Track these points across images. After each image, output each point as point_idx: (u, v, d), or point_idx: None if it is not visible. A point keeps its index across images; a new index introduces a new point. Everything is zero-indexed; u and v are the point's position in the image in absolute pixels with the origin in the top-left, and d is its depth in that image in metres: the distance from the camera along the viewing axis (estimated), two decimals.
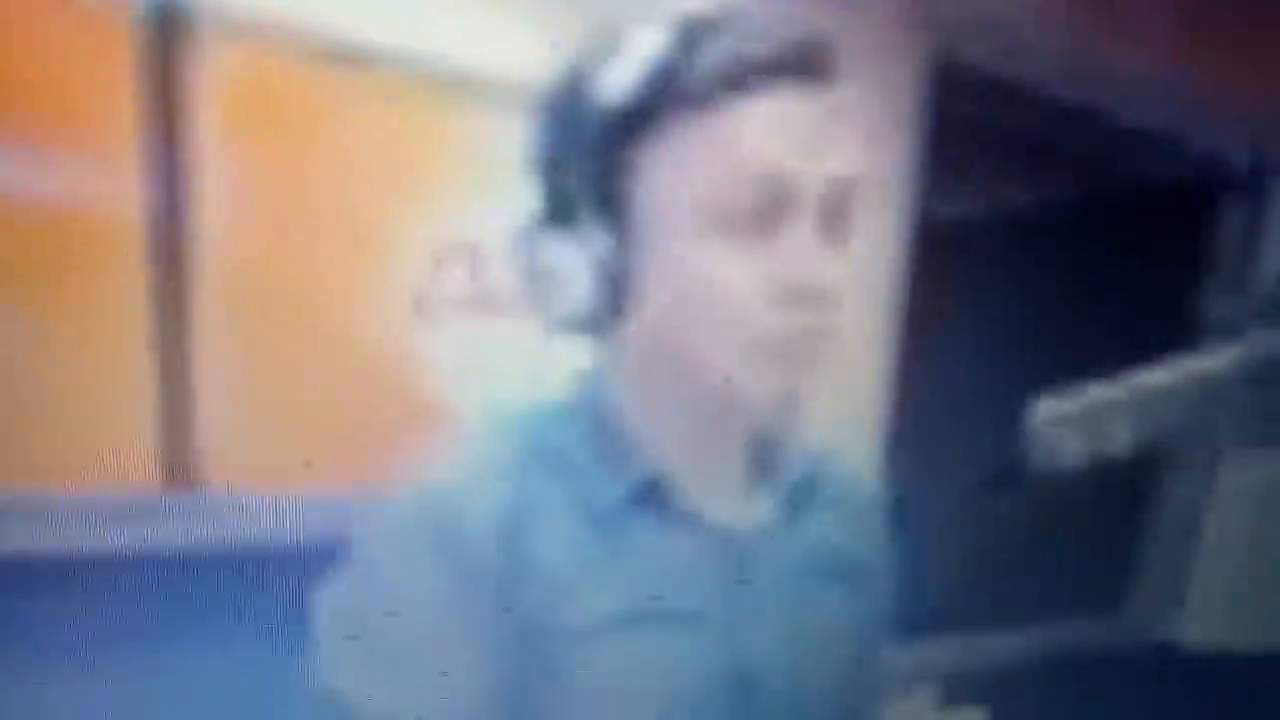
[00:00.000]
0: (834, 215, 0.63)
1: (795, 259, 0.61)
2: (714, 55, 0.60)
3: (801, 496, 0.74)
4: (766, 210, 0.60)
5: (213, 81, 0.93)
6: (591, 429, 0.69)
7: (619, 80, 0.61)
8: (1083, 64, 1.28)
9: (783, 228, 0.61)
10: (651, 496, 0.67)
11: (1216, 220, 1.66)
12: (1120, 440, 1.31)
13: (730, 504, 0.71)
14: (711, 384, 0.65)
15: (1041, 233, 1.47)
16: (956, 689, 1.09)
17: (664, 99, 0.60)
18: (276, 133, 0.96)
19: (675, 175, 0.61)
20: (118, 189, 0.92)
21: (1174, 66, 1.44)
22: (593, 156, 0.63)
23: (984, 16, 1.15)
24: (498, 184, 0.93)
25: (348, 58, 0.92)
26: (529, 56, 0.81)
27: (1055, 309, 1.42)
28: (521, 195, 0.67)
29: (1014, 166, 1.47)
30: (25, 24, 0.86)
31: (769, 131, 0.60)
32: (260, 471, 1.04)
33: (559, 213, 0.65)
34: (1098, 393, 1.31)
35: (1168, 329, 1.56)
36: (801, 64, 0.61)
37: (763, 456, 0.74)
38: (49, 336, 0.93)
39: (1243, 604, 1.98)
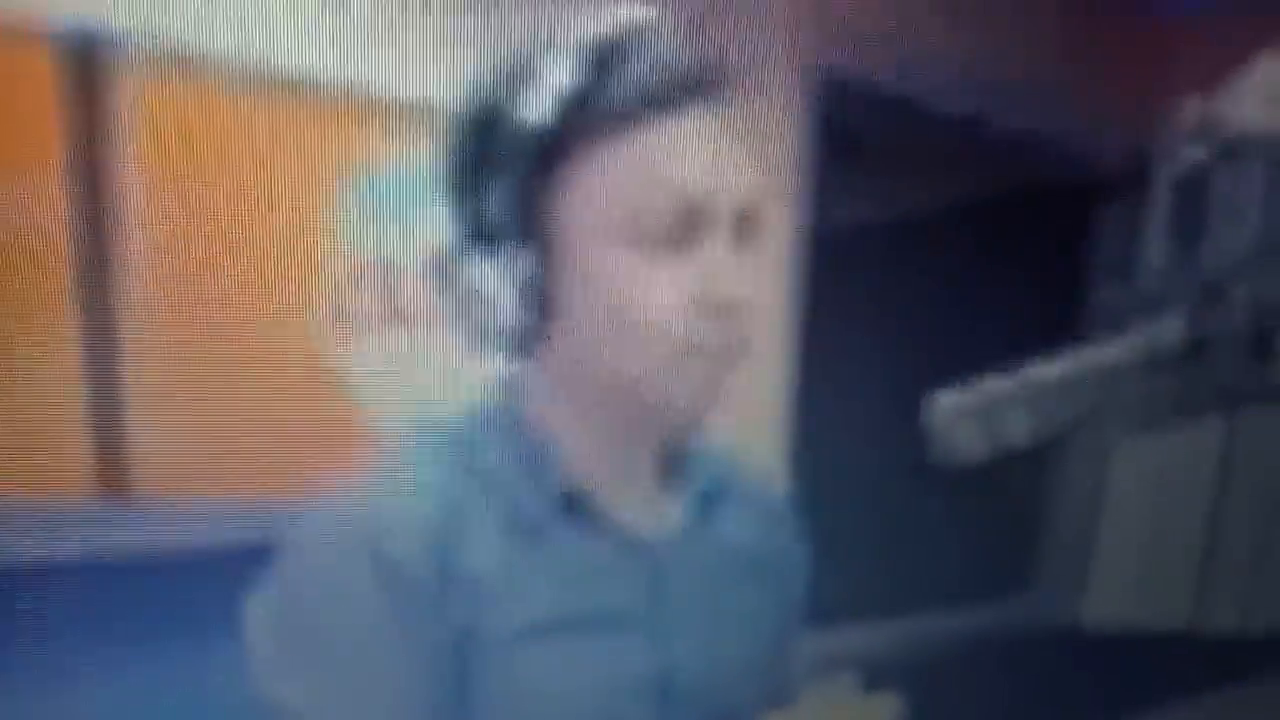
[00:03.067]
0: (745, 229, 0.66)
1: (712, 273, 0.64)
2: (622, 80, 0.62)
3: (712, 498, 0.77)
4: (682, 227, 0.63)
5: (136, 107, 0.94)
6: (512, 441, 0.71)
7: (532, 106, 0.63)
8: (964, 74, 1.34)
9: (698, 243, 0.63)
10: (572, 506, 0.69)
11: (1101, 216, 1.74)
12: (1017, 431, 1.36)
13: (646, 510, 0.73)
14: (629, 395, 0.67)
15: (933, 235, 1.53)
16: (875, 674, 1.13)
17: (577, 123, 0.63)
18: (199, 156, 0.97)
19: (593, 195, 0.63)
20: (46, 209, 0.93)
21: (1053, 72, 1.51)
22: (510, 179, 0.64)
23: (867, 31, 1.21)
24: (416, 205, 0.94)
25: (269, 85, 0.93)
26: (445, 83, 0.83)
27: (950, 307, 1.48)
28: (440, 216, 0.68)
29: (902, 173, 1.53)
30: None
31: (680, 152, 0.63)
32: (189, 481, 1.04)
33: (478, 233, 0.67)
34: (993, 386, 1.36)
35: (1058, 323, 1.62)
36: (705, 85, 0.64)
37: (674, 462, 0.76)
38: None
39: (1142, 585, 2.05)
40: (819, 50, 1.17)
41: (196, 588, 1.03)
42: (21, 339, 0.95)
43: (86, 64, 0.94)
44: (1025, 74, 1.45)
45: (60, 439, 1.00)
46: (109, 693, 1.06)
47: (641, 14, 0.65)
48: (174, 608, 1.05)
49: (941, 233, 1.52)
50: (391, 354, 1.02)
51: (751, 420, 0.91)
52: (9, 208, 0.92)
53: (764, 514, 0.83)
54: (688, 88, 0.63)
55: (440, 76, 0.86)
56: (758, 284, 0.66)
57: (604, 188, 0.63)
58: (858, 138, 1.25)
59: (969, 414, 1.32)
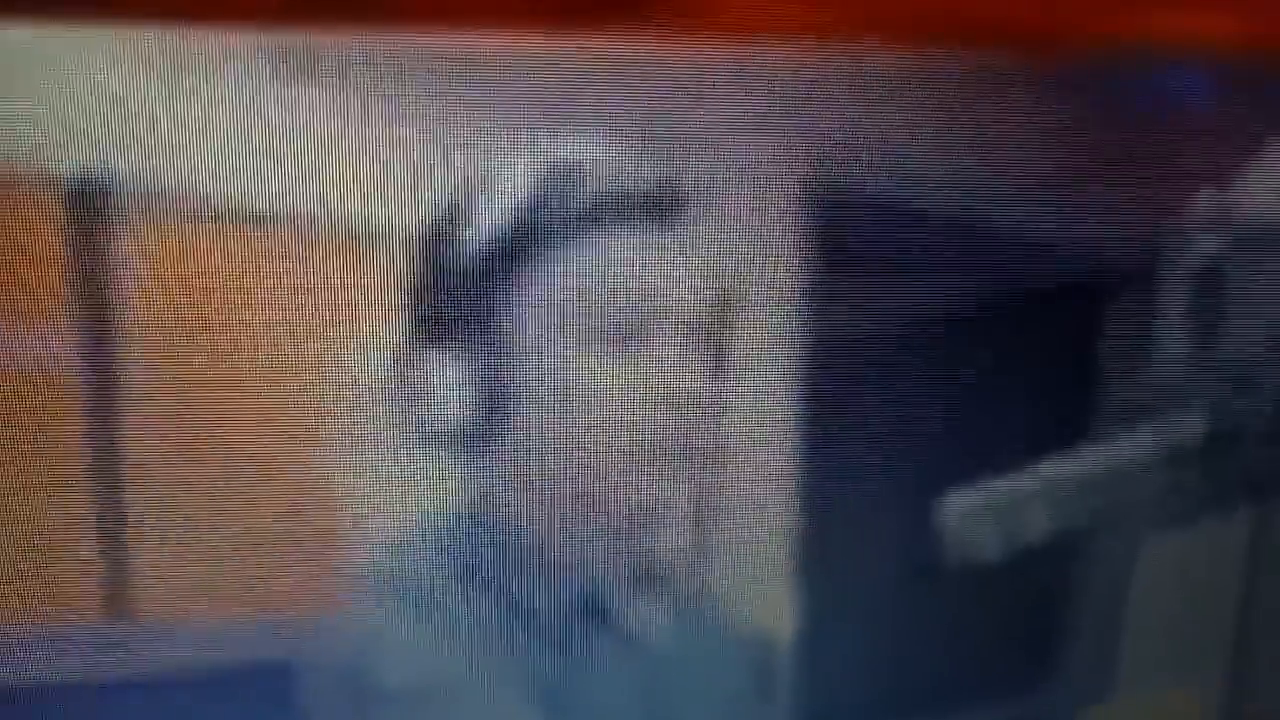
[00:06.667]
0: (708, 332, 0.67)
1: (667, 371, 0.65)
2: (576, 199, 0.65)
3: (685, 600, 0.77)
4: (638, 328, 0.65)
5: (135, 246, 0.97)
6: (498, 544, 0.72)
7: (489, 223, 0.65)
8: (961, 174, 1.35)
9: (655, 343, 0.65)
10: (570, 609, 0.70)
11: (1113, 311, 1.74)
12: (1035, 529, 1.34)
13: (633, 611, 0.74)
14: (590, 496, 0.68)
15: (942, 338, 1.53)
16: None
17: (532, 237, 0.65)
18: (198, 293, 0.99)
19: (550, 297, 0.65)
20: (50, 348, 0.95)
21: (1056, 168, 1.52)
22: (466, 276, 0.67)
23: (861, 139, 1.22)
24: (388, 316, 0.96)
25: (254, 219, 0.96)
26: (409, 206, 0.87)
27: (963, 408, 1.47)
28: (402, 322, 0.70)
29: (903, 278, 1.53)
30: None
31: (635, 260, 0.65)
32: (194, 600, 1.05)
33: (434, 334, 0.69)
34: (1009, 485, 1.35)
35: (1075, 420, 1.61)
36: (663, 204, 0.66)
37: (651, 563, 0.77)
38: None
39: (1169, 682, 2.01)
40: (806, 160, 1.18)
41: (199, 709, 1.03)
42: (27, 467, 0.97)
43: (90, 208, 0.97)
44: (1026, 172, 1.46)
45: (63, 562, 1.01)
46: None
47: (598, 134, 0.68)
48: None
49: (950, 335, 1.52)
50: (382, 466, 1.03)
51: (751, 524, 0.91)
52: (16, 348, 0.94)
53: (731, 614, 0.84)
54: (643, 208, 0.66)
55: (407, 197, 0.89)
56: (722, 387, 0.68)
57: (561, 290, 0.65)
58: (852, 245, 1.26)
59: (984, 512, 1.31)
